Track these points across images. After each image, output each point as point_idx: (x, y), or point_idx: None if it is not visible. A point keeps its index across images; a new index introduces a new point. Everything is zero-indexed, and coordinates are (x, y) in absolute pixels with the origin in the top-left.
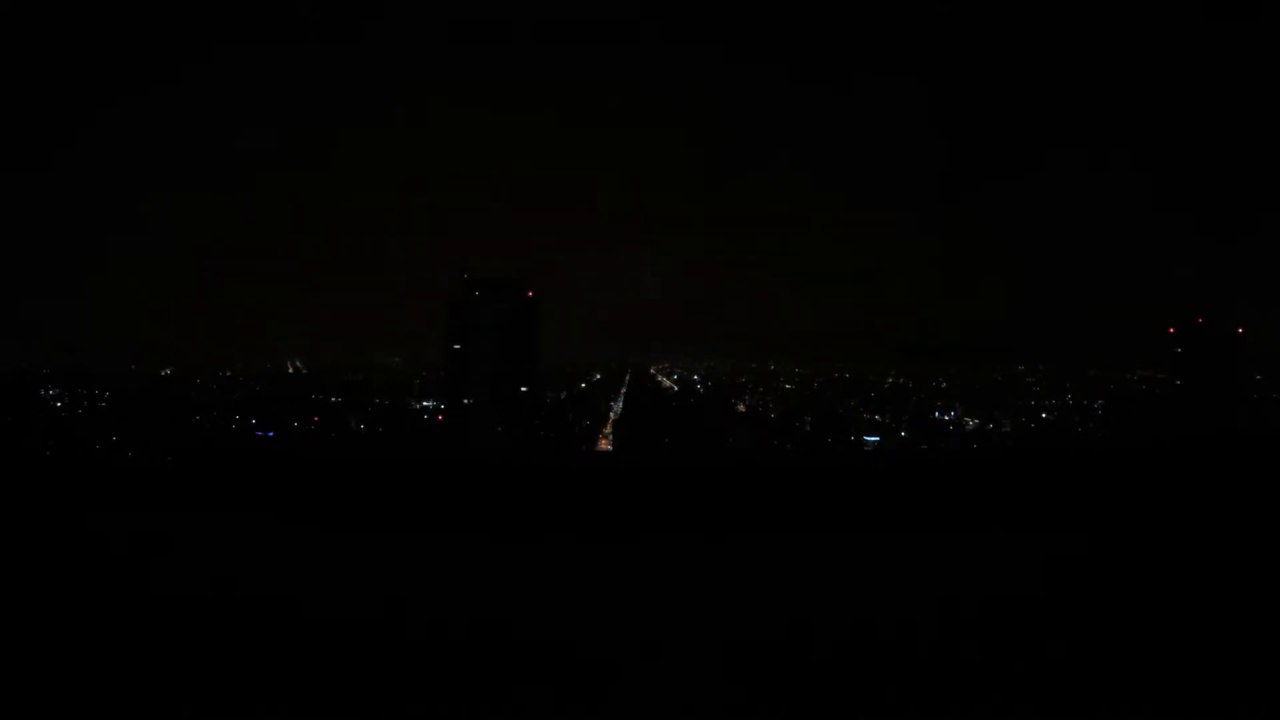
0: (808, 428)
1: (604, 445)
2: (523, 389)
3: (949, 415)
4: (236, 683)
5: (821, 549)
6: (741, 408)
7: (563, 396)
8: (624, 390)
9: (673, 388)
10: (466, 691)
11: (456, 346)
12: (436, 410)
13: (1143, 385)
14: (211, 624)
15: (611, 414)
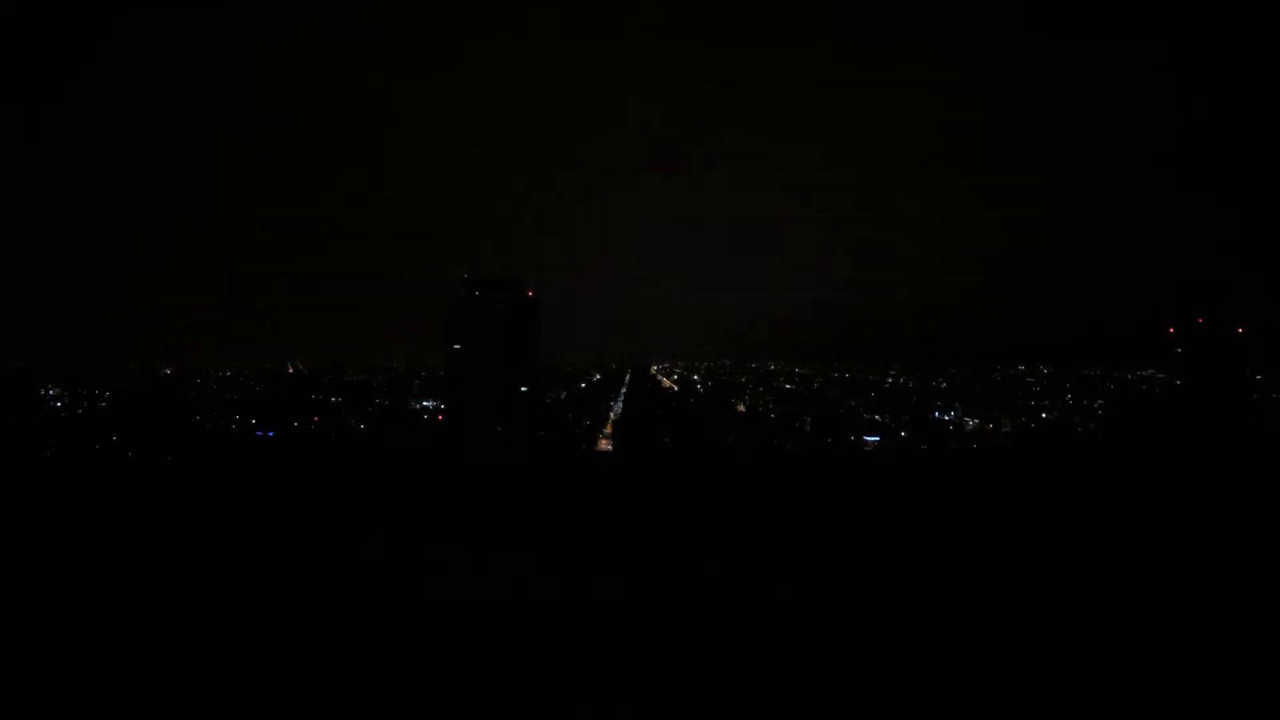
0: (808, 428)
1: (604, 445)
2: (523, 389)
3: (949, 415)
4: (237, 682)
5: (826, 550)
6: (741, 408)
7: (563, 396)
8: (624, 390)
9: (673, 388)
10: (467, 692)
11: (456, 346)
12: (436, 410)
13: (1142, 385)
14: (212, 624)
15: (611, 414)
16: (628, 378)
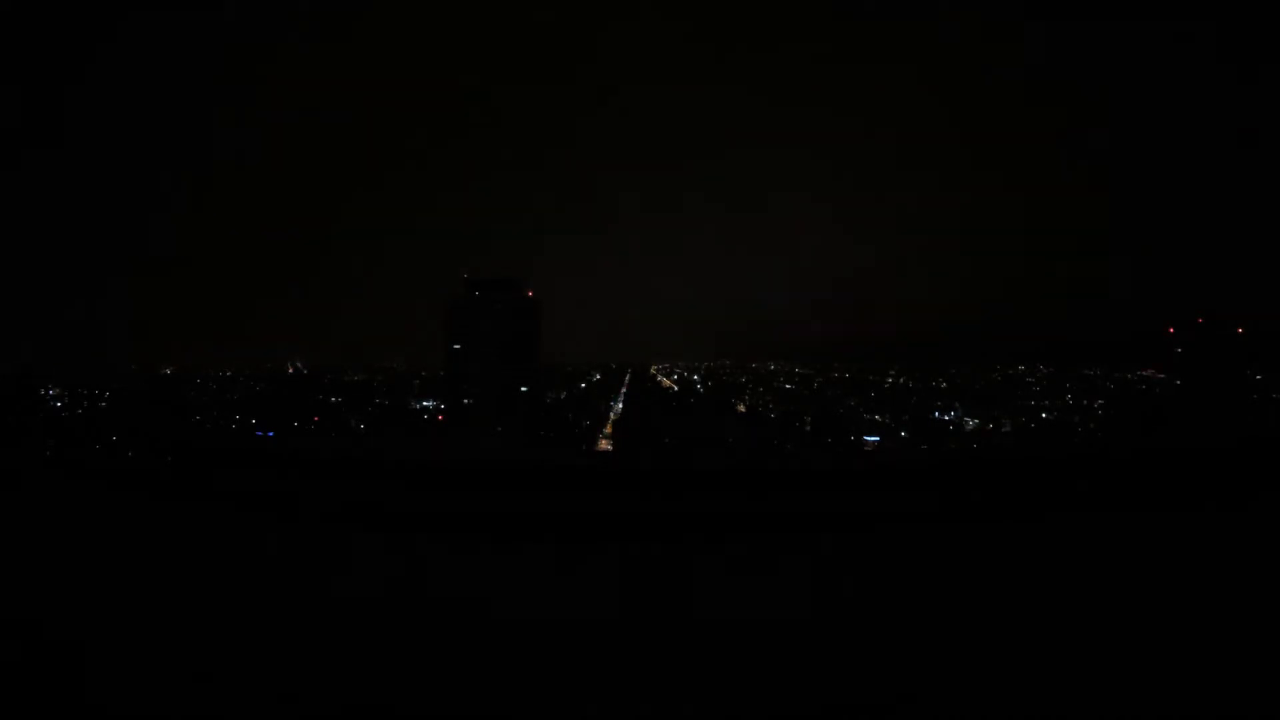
0: (808, 428)
1: (604, 445)
2: (523, 389)
3: (949, 415)
4: (237, 682)
5: (826, 550)
6: (741, 408)
7: (563, 396)
8: (624, 390)
9: (673, 388)
10: (467, 692)
11: (456, 346)
12: (436, 410)
13: (1142, 385)
14: (211, 622)
15: (611, 414)
16: (628, 378)
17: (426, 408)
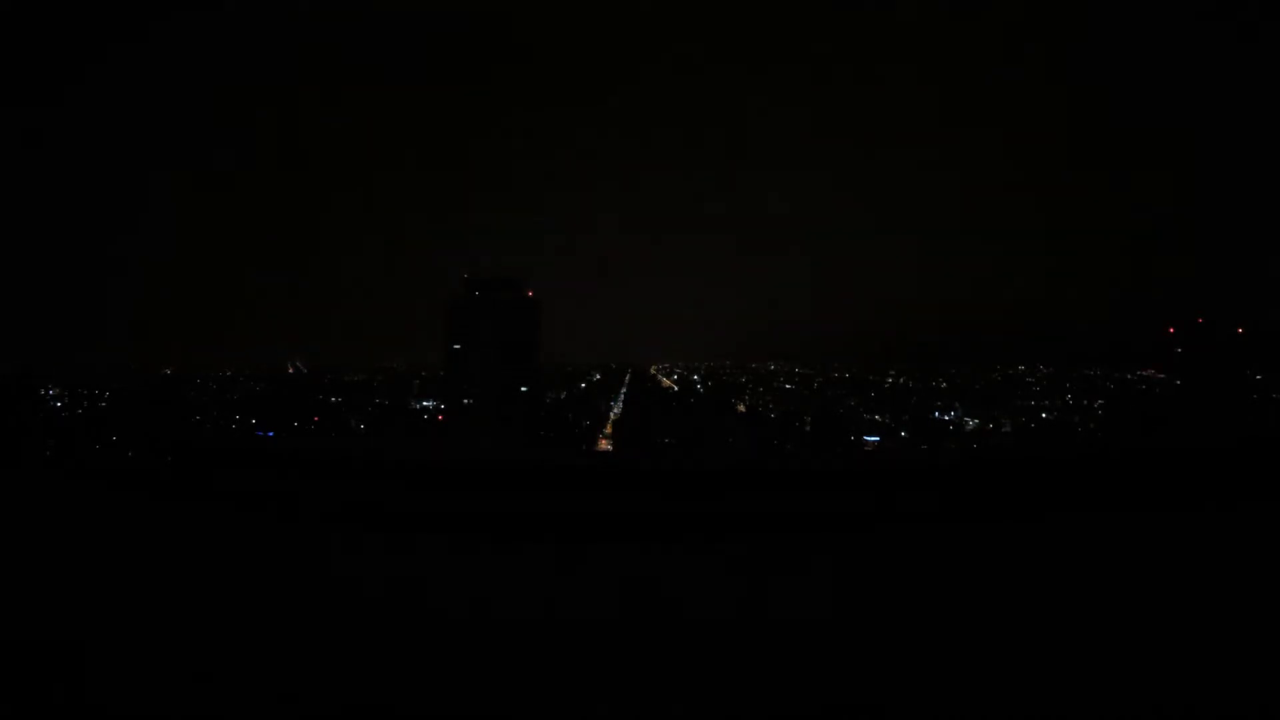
0: (808, 428)
1: (604, 445)
2: (523, 389)
3: (949, 415)
4: (237, 682)
5: (826, 550)
6: (741, 408)
7: (562, 396)
8: (624, 390)
9: (673, 387)
10: (466, 692)
11: (456, 346)
12: (436, 410)
13: (1142, 385)
14: (211, 622)
15: (611, 414)
16: (628, 377)
17: (426, 408)
